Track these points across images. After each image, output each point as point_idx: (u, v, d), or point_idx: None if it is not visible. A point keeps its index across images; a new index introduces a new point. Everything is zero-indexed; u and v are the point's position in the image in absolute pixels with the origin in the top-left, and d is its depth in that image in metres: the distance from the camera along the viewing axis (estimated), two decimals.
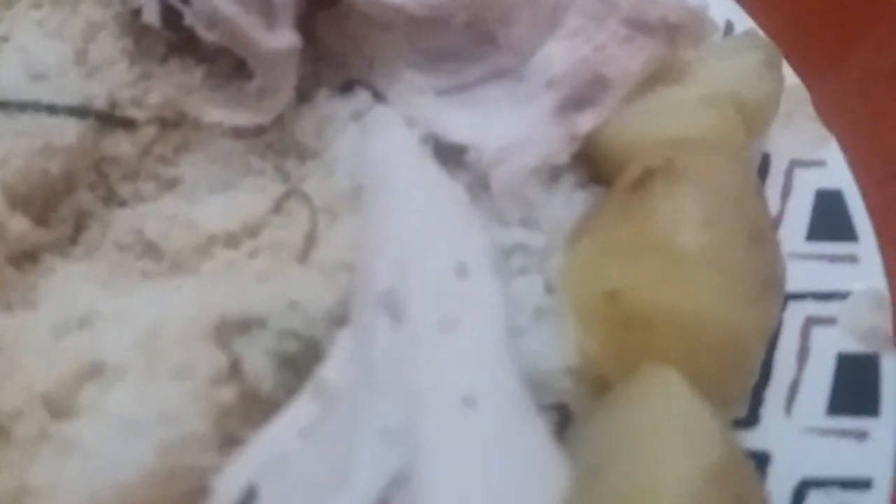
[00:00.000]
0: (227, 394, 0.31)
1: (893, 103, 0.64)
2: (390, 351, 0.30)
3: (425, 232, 0.34)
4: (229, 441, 0.31)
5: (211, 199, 0.40)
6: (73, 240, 0.38)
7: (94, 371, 0.32)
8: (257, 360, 0.31)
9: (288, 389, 0.31)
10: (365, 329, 0.32)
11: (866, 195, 0.47)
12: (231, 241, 0.39)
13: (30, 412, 0.30)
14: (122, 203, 0.40)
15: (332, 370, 0.31)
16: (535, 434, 0.29)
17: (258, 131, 0.42)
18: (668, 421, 0.29)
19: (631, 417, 0.30)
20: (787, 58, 0.49)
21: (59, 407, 0.31)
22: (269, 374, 0.31)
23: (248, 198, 0.40)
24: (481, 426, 0.28)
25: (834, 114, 0.51)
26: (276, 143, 0.42)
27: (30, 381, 0.31)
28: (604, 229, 0.37)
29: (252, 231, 0.39)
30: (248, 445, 0.30)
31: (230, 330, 0.32)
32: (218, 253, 0.38)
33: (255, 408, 0.31)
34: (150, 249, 0.38)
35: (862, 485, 0.37)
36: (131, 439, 0.29)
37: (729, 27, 0.52)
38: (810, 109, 0.49)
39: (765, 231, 0.37)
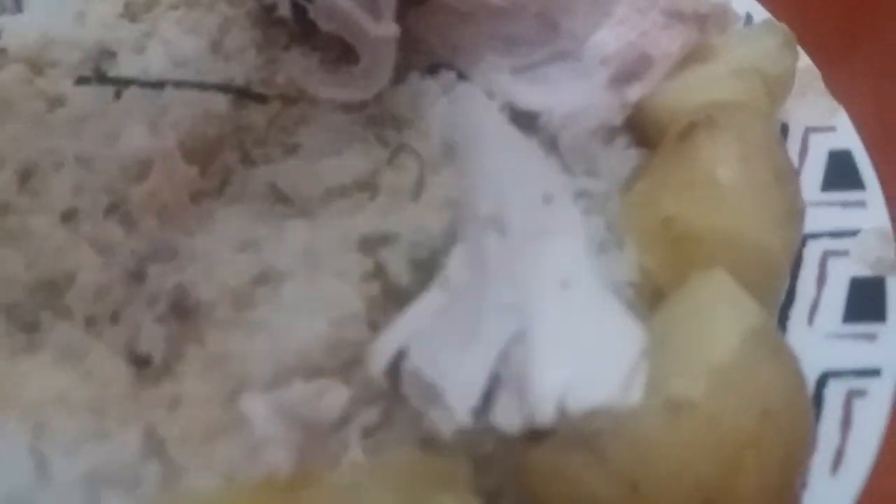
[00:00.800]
0: (375, 289, 0.44)
1: None
2: (499, 254, 0.43)
3: (515, 171, 0.47)
4: (376, 326, 0.43)
5: (325, 161, 0.53)
6: (220, 191, 0.51)
7: (266, 276, 0.45)
8: (396, 264, 0.44)
9: (421, 285, 0.44)
10: (476, 241, 0.45)
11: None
12: (345, 192, 0.51)
13: (221, 303, 0.43)
14: (254, 163, 0.53)
15: (453, 269, 0.43)
16: (616, 306, 0.42)
17: (362, 106, 0.55)
18: (716, 298, 0.42)
19: (687, 301, 0.43)
20: (801, 45, 0.63)
21: (243, 301, 0.44)
22: (405, 273, 0.44)
23: (355, 160, 0.53)
24: (576, 300, 0.41)
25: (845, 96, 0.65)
26: (376, 115, 0.55)
27: (220, 280, 0.43)
28: (657, 170, 0.50)
29: (360, 186, 0.52)
30: (394, 324, 0.42)
31: (372, 243, 0.45)
32: (335, 201, 0.51)
33: (396, 300, 0.44)
34: (283, 198, 0.51)
35: (873, 373, 0.49)
36: (306, 317, 0.42)
37: (749, 18, 0.67)
38: (821, 85, 0.63)
39: (788, 171, 0.50)
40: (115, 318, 0.42)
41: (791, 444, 0.38)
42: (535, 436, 0.39)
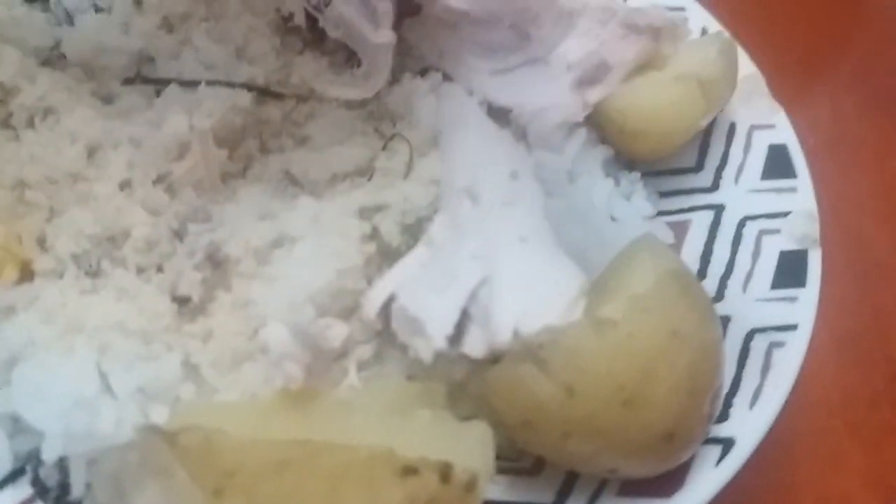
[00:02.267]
0: (371, 248, 0.55)
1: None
2: (472, 217, 0.55)
3: (488, 152, 0.59)
4: (372, 280, 0.55)
5: (330, 149, 0.65)
6: (243, 175, 0.63)
7: (281, 240, 0.56)
8: (389, 227, 0.56)
9: (408, 246, 0.56)
10: (453, 208, 0.56)
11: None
12: (346, 176, 0.63)
13: (246, 259, 0.55)
14: (270, 152, 0.65)
15: (435, 231, 0.55)
16: (563, 256, 0.53)
17: (363, 103, 0.67)
18: (641, 247, 0.53)
19: (623, 253, 0.54)
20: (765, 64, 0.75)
21: (262, 258, 0.55)
22: (396, 235, 0.56)
23: (356, 150, 0.65)
24: (532, 251, 0.53)
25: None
26: (375, 111, 0.67)
27: (244, 241, 0.55)
28: None
29: (360, 171, 0.64)
30: (385, 275, 0.54)
31: (369, 211, 0.57)
32: (339, 185, 0.63)
33: (388, 258, 0.56)
34: (294, 182, 0.63)
35: (791, 328, 0.61)
36: (315, 267, 0.53)
37: (704, 33, 0.79)
38: (765, 90, 0.75)
39: None
40: (160, 267, 0.54)
41: (699, 362, 0.49)
42: (495, 360, 0.50)
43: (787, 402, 0.58)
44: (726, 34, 0.73)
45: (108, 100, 0.64)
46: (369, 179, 0.62)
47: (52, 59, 0.66)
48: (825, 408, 0.74)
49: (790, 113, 0.75)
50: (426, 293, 0.52)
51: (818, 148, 0.88)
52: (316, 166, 0.63)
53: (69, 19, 0.71)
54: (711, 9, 0.83)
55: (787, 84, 0.92)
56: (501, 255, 0.53)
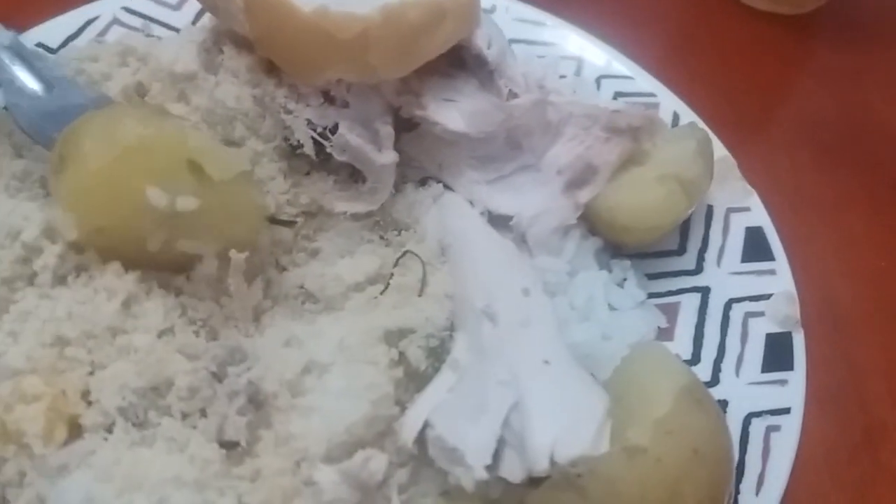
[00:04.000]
0: (399, 373, 0.58)
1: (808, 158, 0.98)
2: (493, 339, 0.59)
3: (499, 268, 0.63)
4: (402, 403, 0.58)
5: (341, 261, 0.68)
6: (264, 296, 0.65)
7: (310, 367, 0.59)
8: (414, 352, 0.59)
9: (434, 368, 0.59)
10: (474, 330, 0.60)
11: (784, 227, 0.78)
12: (359, 287, 0.66)
13: (281, 393, 0.57)
14: (284, 269, 0.68)
15: (459, 354, 0.59)
16: (585, 376, 0.57)
17: (369, 214, 0.70)
18: (655, 364, 0.58)
19: (634, 366, 0.59)
20: (721, 128, 0.80)
21: (295, 389, 0.58)
22: (422, 359, 0.59)
23: (365, 259, 0.68)
24: (555, 374, 0.56)
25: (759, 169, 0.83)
26: (380, 221, 0.71)
27: (277, 374, 0.58)
28: None
29: (371, 279, 0.66)
30: (417, 401, 0.57)
31: (393, 336, 0.60)
32: (353, 295, 0.66)
33: (415, 381, 0.59)
34: (310, 297, 0.66)
35: (784, 411, 0.66)
36: (350, 399, 0.56)
37: (676, 116, 0.83)
38: (737, 173, 0.80)
39: None
40: (203, 412, 0.56)
41: (716, 473, 0.53)
42: (533, 482, 0.54)
43: None
44: (701, 128, 0.78)
45: None
46: (382, 293, 0.65)
47: None
48: (812, 463, 0.79)
49: (751, 171, 0.81)
50: (461, 422, 0.55)
51: (782, 205, 0.94)
52: (330, 282, 0.66)
53: None
54: (671, 77, 0.89)
55: (745, 142, 0.99)
56: (527, 380, 0.56)
